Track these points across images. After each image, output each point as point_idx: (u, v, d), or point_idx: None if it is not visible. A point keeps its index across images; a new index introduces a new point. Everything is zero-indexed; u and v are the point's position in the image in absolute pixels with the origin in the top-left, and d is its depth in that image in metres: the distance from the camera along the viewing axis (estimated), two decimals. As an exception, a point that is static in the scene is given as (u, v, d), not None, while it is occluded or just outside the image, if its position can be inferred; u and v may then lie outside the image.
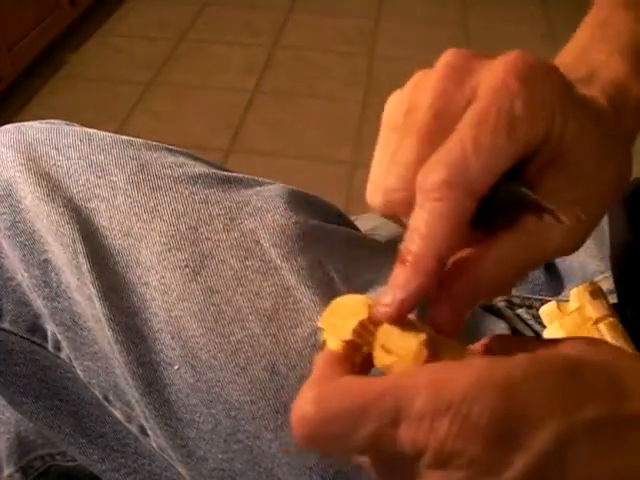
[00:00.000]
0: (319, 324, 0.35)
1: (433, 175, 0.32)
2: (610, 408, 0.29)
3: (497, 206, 0.33)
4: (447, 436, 0.28)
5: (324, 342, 0.34)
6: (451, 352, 0.31)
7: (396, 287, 0.32)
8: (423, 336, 0.31)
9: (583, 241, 0.36)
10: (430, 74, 0.36)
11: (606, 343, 0.37)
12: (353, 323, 0.33)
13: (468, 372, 0.28)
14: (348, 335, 0.33)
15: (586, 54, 0.41)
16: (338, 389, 0.30)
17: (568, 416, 0.28)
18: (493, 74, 0.33)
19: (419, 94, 0.35)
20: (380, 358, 0.32)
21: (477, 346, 0.33)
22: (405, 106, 0.36)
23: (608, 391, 0.29)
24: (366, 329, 0.33)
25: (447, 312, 0.33)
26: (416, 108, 0.35)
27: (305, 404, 0.30)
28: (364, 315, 0.33)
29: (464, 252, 0.34)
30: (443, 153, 0.32)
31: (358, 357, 0.33)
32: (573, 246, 0.36)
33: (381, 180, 0.36)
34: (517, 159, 0.33)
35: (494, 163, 0.32)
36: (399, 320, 0.32)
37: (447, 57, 0.35)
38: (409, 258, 0.32)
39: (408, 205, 0.33)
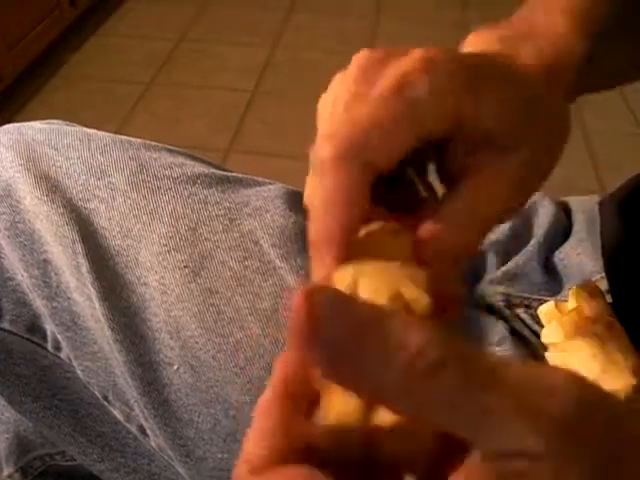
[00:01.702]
0: None
1: (322, 151, 0.33)
2: None
3: (400, 184, 0.35)
4: None
5: None
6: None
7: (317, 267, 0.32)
8: None
9: (532, 192, 0.37)
10: (344, 77, 0.37)
11: None
12: None
13: None
14: None
15: (530, 13, 0.43)
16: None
17: None
18: (397, 67, 0.34)
19: (336, 100, 0.37)
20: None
21: None
22: (328, 109, 0.37)
23: None
24: None
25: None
26: (334, 113, 0.36)
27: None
28: None
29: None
30: (339, 129, 0.33)
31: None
32: (524, 196, 0.36)
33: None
34: (422, 141, 0.34)
35: (394, 142, 0.33)
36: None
37: (358, 60, 0.37)
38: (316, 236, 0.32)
39: None
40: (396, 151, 0.33)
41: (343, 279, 0.29)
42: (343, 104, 0.35)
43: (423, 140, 0.33)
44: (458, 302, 0.33)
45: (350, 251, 0.31)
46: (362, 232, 0.33)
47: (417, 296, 0.28)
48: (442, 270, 0.33)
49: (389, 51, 0.36)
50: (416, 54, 0.34)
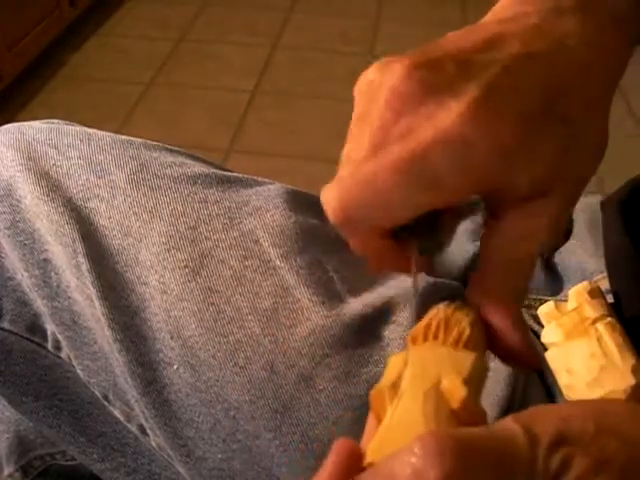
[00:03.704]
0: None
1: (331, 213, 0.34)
2: None
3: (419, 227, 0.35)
4: None
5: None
6: None
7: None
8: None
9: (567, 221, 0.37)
10: (379, 94, 0.34)
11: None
12: None
13: None
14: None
15: None
16: None
17: None
18: (428, 127, 0.32)
19: (360, 138, 0.35)
20: None
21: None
22: (360, 109, 0.36)
23: None
24: None
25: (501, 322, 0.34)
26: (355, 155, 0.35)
27: None
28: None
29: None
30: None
31: None
32: (561, 230, 0.36)
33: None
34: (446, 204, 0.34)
35: (411, 209, 0.33)
36: None
37: (394, 82, 0.34)
38: None
39: None
40: (413, 213, 0.33)
41: (395, 365, 0.31)
42: (365, 149, 0.34)
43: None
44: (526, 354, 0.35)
45: (419, 336, 0.33)
46: (434, 311, 0.34)
47: (455, 389, 0.29)
48: (502, 323, 0.34)
49: (427, 88, 0.33)
50: (453, 109, 0.32)
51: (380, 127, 0.33)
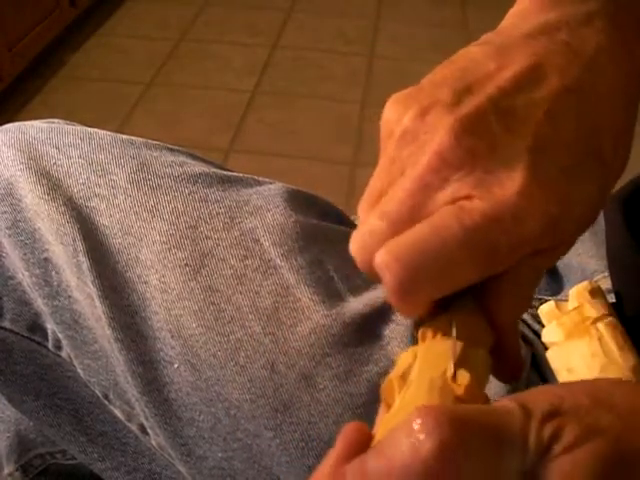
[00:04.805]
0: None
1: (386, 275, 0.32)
2: None
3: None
4: None
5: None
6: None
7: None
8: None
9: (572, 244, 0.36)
10: (420, 152, 0.33)
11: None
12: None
13: None
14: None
15: None
16: None
17: None
18: (488, 198, 0.32)
19: (402, 155, 0.34)
20: None
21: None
22: (394, 146, 0.34)
23: None
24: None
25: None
26: (400, 169, 0.34)
27: None
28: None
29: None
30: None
31: None
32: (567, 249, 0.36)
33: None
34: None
35: (462, 278, 0.32)
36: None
37: (442, 147, 0.32)
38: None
39: None
40: (461, 284, 0.33)
41: (406, 359, 0.32)
42: (407, 208, 0.33)
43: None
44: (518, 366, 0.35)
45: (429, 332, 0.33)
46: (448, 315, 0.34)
47: (460, 376, 0.30)
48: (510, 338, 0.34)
49: (476, 157, 0.32)
50: (507, 184, 0.32)
51: (422, 189, 0.33)
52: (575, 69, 0.34)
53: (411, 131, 0.34)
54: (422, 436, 0.25)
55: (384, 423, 0.30)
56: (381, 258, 0.32)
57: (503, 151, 0.32)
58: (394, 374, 0.32)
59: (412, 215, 0.33)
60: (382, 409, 0.32)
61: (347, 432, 0.28)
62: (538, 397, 0.28)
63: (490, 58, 0.35)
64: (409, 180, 0.33)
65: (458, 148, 0.32)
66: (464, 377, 0.30)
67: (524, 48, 0.35)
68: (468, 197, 0.32)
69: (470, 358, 0.32)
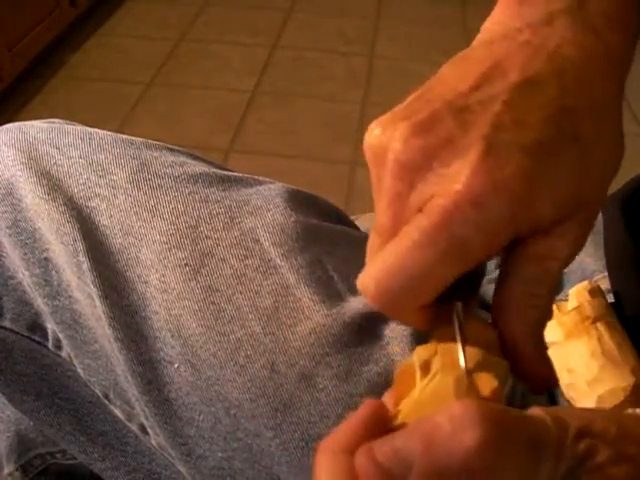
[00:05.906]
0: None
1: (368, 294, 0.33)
2: None
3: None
4: None
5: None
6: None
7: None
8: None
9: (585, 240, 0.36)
10: (386, 164, 0.34)
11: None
12: None
13: None
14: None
15: None
16: None
17: None
18: (445, 192, 0.32)
19: (379, 180, 0.35)
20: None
21: None
22: (375, 172, 0.35)
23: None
24: None
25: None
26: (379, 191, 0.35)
27: None
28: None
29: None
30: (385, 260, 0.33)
31: None
32: (579, 249, 0.36)
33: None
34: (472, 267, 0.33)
35: (440, 279, 0.33)
36: None
37: (396, 154, 0.34)
38: None
39: None
40: (450, 282, 0.33)
41: (424, 351, 0.32)
42: (389, 219, 0.34)
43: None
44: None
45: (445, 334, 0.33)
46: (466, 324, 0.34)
47: (487, 379, 0.30)
48: (527, 351, 0.34)
49: (428, 154, 0.33)
50: (460, 172, 0.32)
51: (395, 198, 0.34)
52: (536, 62, 0.35)
53: (377, 148, 0.35)
54: (467, 427, 0.25)
55: (409, 406, 0.30)
56: (358, 283, 0.34)
57: (458, 143, 0.33)
58: (416, 360, 0.32)
59: (395, 227, 0.33)
60: (388, 397, 0.32)
61: (368, 407, 0.28)
62: (570, 414, 0.28)
63: (452, 72, 0.36)
64: (384, 193, 0.34)
65: (409, 150, 0.33)
66: (492, 381, 0.30)
67: (484, 53, 0.36)
68: (432, 196, 0.32)
69: (494, 364, 0.32)
